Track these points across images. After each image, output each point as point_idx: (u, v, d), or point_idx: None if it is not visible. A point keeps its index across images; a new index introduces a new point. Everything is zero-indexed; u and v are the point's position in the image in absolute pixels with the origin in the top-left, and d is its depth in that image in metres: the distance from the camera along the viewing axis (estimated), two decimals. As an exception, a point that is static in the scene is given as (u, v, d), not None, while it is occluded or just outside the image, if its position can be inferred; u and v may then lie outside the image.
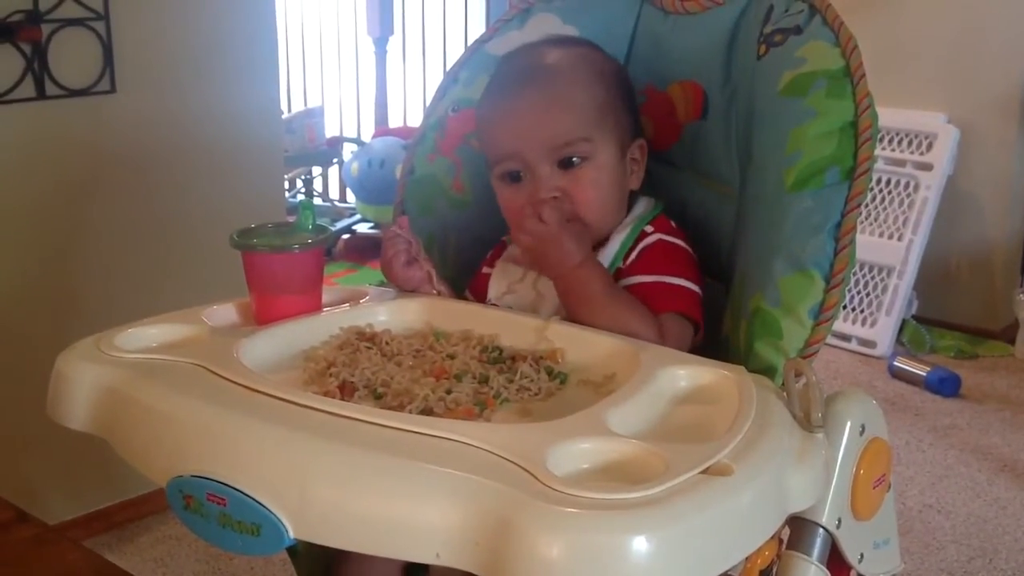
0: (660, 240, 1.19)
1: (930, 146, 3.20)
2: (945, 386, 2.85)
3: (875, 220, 3.23)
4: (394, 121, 4.55)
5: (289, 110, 4.43)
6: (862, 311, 3.19)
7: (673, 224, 1.22)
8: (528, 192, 1.18)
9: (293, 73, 4.79)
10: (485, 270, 1.28)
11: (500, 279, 1.25)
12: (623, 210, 1.22)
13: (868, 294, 3.20)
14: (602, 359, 1.05)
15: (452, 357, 1.06)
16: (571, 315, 1.13)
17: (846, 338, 3.15)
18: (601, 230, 1.20)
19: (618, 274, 1.18)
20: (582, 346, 1.08)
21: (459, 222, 1.35)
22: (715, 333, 1.17)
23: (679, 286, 1.16)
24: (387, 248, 1.23)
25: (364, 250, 4.02)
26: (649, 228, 1.21)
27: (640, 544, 0.74)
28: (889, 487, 1.11)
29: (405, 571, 1.19)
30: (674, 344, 1.10)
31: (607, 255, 1.19)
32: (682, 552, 0.77)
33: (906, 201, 3.20)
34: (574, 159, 1.17)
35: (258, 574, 2.03)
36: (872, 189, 3.14)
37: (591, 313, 1.11)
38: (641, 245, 1.19)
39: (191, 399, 0.93)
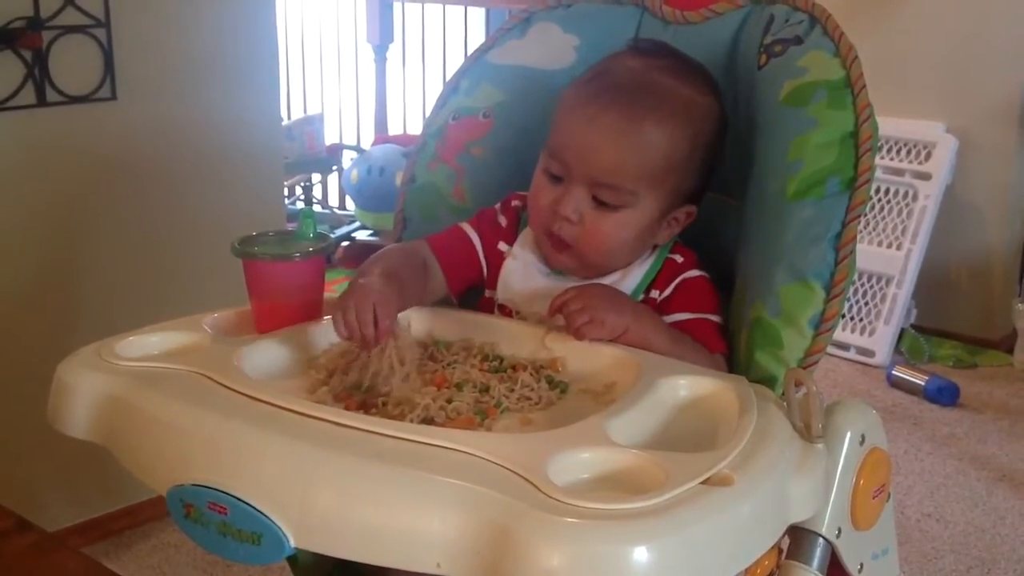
0: (698, 277, 1.17)
1: (929, 155, 3.20)
2: (944, 395, 2.85)
3: (874, 229, 3.23)
4: (394, 129, 4.55)
5: (289, 117, 4.43)
6: (861, 320, 3.20)
7: (696, 257, 1.19)
8: (554, 198, 1.14)
9: (293, 80, 4.79)
10: (501, 246, 1.23)
11: (518, 277, 1.21)
12: (636, 254, 1.18)
13: (867, 303, 3.20)
14: (602, 368, 1.05)
15: (453, 366, 1.06)
16: None
17: (845, 347, 3.15)
18: (602, 267, 1.17)
19: (654, 305, 1.16)
20: (582, 355, 1.08)
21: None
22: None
23: (720, 325, 1.15)
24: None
25: (363, 258, 3.95)
26: (679, 258, 1.18)
27: (640, 554, 0.74)
28: (889, 497, 1.11)
29: None
30: None
31: (628, 285, 1.17)
32: (682, 562, 0.77)
33: (905, 210, 3.21)
34: (608, 202, 1.13)
35: (256, 582, 2.02)
36: (871, 198, 3.15)
37: None
38: (680, 279, 1.16)
39: (192, 407, 0.93)
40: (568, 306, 1.09)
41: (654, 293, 1.17)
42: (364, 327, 1.01)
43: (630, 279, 1.17)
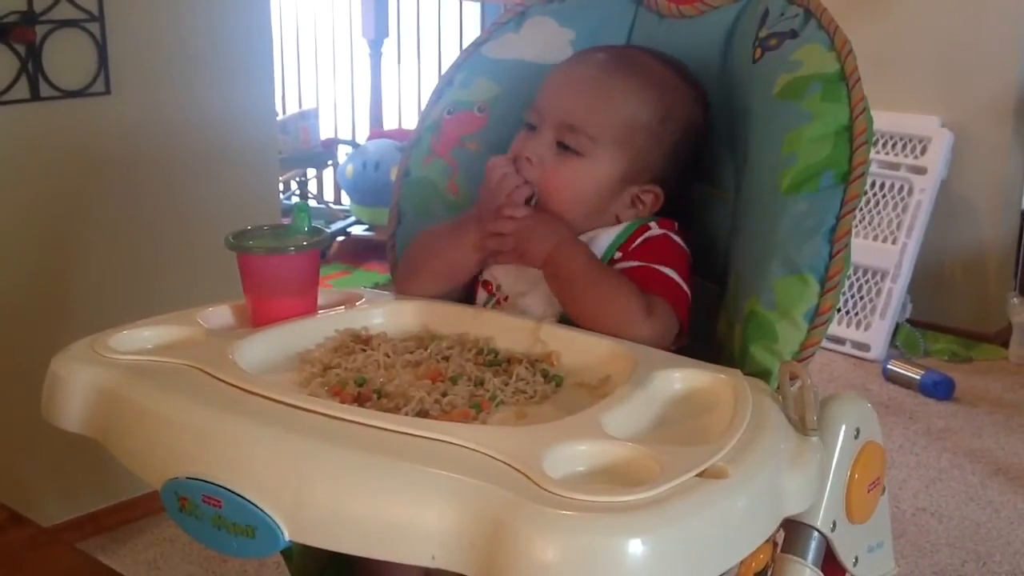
0: (662, 234, 1.18)
1: (924, 150, 3.21)
2: (939, 389, 2.86)
3: (869, 223, 3.23)
4: (389, 123, 4.55)
5: (284, 112, 4.43)
6: (856, 314, 3.20)
7: (676, 226, 1.21)
8: (522, 144, 1.17)
9: (288, 75, 4.79)
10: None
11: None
12: (599, 219, 1.19)
13: (862, 297, 3.21)
14: (598, 362, 1.05)
15: (447, 359, 1.06)
16: (559, 299, 1.13)
17: (840, 341, 3.16)
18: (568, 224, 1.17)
19: (612, 262, 1.17)
20: (578, 348, 1.08)
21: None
22: (710, 336, 1.17)
23: (672, 278, 1.15)
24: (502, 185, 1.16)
25: (358, 252, 4.02)
26: (653, 223, 1.19)
27: (635, 547, 0.74)
28: (884, 490, 1.11)
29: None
30: (661, 328, 1.10)
31: (598, 246, 1.18)
32: (677, 555, 0.77)
33: (900, 204, 3.21)
34: (570, 146, 1.16)
35: (252, 576, 2.02)
36: (866, 192, 3.15)
37: (580, 291, 1.11)
38: (642, 237, 1.18)
39: (186, 401, 0.92)
40: (501, 226, 1.13)
41: (618, 255, 1.18)
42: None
43: (595, 245, 1.18)
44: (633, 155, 1.17)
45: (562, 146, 1.16)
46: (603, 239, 1.18)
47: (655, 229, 1.18)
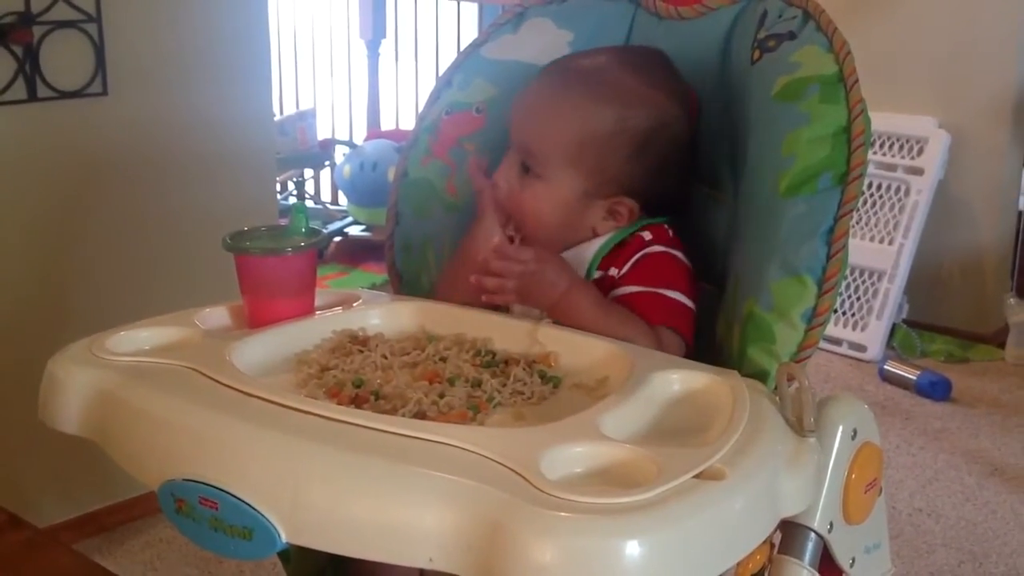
0: (662, 252, 1.18)
1: (921, 151, 3.21)
2: (936, 390, 2.86)
3: (866, 224, 3.24)
4: (386, 124, 4.54)
5: (281, 112, 4.43)
6: (853, 315, 3.20)
7: (671, 233, 1.20)
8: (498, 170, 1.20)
9: (285, 75, 4.79)
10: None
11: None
12: (575, 235, 1.19)
13: (859, 298, 3.21)
14: (595, 363, 1.05)
15: (445, 360, 1.06)
16: None
17: (837, 342, 3.16)
18: (546, 244, 1.18)
19: (612, 282, 1.17)
20: (575, 350, 1.08)
21: (453, 225, 1.35)
22: (708, 337, 1.17)
23: (676, 300, 1.15)
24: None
25: (356, 252, 4.01)
26: (647, 235, 1.19)
27: (633, 548, 0.74)
28: (880, 491, 1.11)
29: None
30: None
31: (581, 262, 1.18)
32: (675, 556, 0.77)
33: (897, 205, 3.21)
34: (531, 168, 1.18)
35: (249, 577, 2.02)
36: (863, 193, 3.15)
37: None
38: (640, 254, 1.17)
39: (183, 402, 0.92)
40: (508, 270, 1.12)
41: (612, 271, 1.18)
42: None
43: (579, 258, 1.19)
44: (589, 171, 1.17)
45: (525, 168, 1.18)
46: (586, 254, 1.19)
47: (654, 246, 1.18)
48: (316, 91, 4.82)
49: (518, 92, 1.23)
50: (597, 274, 1.19)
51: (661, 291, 1.15)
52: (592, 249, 1.19)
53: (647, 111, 1.18)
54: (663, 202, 1.21)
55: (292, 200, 4.21)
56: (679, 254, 1.19)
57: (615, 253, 1.19)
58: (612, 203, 1.19)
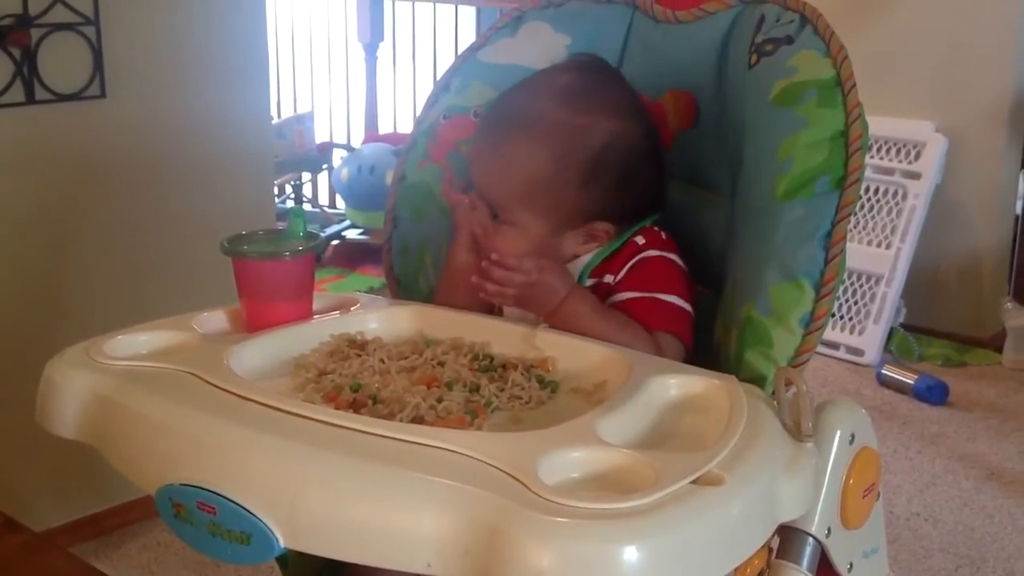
0: (656, 256, 1.18)
1: (918, 155, 3.21)
2: (933, 394, 2.86)
3: (863, 228, 3.24)
4: (384, 127, 4.55)
5: (279, 116, 4.43)
6: (850, 319, 3.20)
7: (664, 236, 1.21)
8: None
9: (283, 79, 4.79)
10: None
11: None
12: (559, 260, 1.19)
13: (856, 302, 3.21)
14: (593, 367, 1.05)
15: (443, 365, 1.06)
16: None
17: (834, 346, 3.16)
18: None
19: (608, 289, 1.18)
20: (573, 354, 1.08)
21: (451, 229, 1.35)
22: (706, 341, 1.17)
23: (673, 304, 1.15)
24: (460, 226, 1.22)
25: (353, 256, 4.01)
26: (640, 240, 1.19)
27: (631, 554, 0.74)
28: (878, 496, 1.11)
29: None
30: None
31: (576, 265, 1.19)
32: (672, 562, 0.77)
33: (894, 209, 3.21)
34: (497, 217, 1.18)
35: (246, 581, 2.02)
36: (860, 197, 3.16)
37: None
38: (635, 259, 1.18)
39: (181, 406, 0.92)
40: (509, 279, 1.13)
41: (608, 278, 1.18)
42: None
43: (573, 267, 1.19)
44: (546, 210, 1.17)
45: (495, 217, 1.19)
46: (577, 264, 1.20)
47: (648, 250, 1.18)
48: (314, 94, 4.82)
49: (476, 136, 1.24)
50: (590, 282, 1.19)
51: (658, 296, 1.15)
52: (578, 267, 1.20)
53: (586, 139, 1.16)
54: (638, 210, 1.21)
55: (290, 204, 4.21)
56: (674, 257, 1.19)
57: (608, 262, 1.19)
58: (585, 230, 1.19)
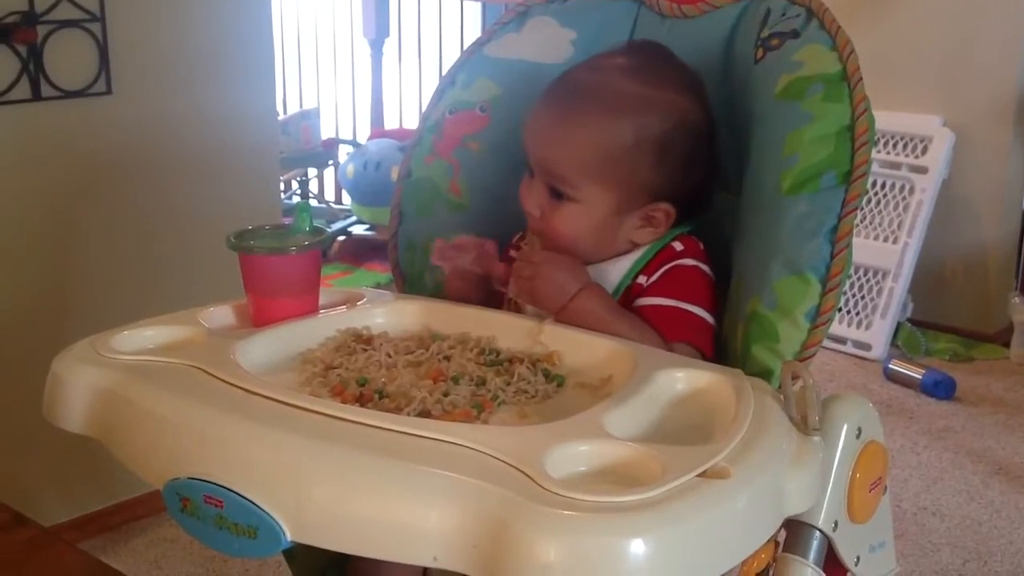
0: (691, 266, 1.16)
1: (925, 149, 3.21)
2: (940, 389, 2.85)
3: (870, 223, 3.23)
4: (390, 123, 4.54)
5: (285, 111, 4.43)
6: (857, 314, 3.20)
7: (702, 246, 1.19)
8: (527, 193, 1.18)
9: (289, 74, 4.79)
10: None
11: None
12: (610, 249, 1.18)
13: (863, 297, 3.21)
14: (599, 361, 1.05)
15: (449, 359, 1.06)
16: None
17: (841, 341, 3.16)
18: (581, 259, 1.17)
19: (638, 291, 1.16)
20: (579, 348, 1.08)
21: (457, 224, 1.35)
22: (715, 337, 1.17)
23: (695, 315, 1.14)
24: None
25: (359, 252, 4.02)
26: (678, 245, 1.18)
27: (637, 547, 0.74)
28: (885, 490, 1.11)
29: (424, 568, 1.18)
30: None
31: (614, 274, 1.17)
32: (679, 555, 0.77)
33: (901, 204, 3.21)
34: (561, 192, 1.16)
35: (253, 576, 2.02)
36: (867, 192, 3.15)
37: None
38: (669, 265, 1.16)
39: (188, 401, 0.93)
40: (520, 271, 1.13)
41: (641, 279, 1.17)
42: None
43: (616, 269, 1.18)
44: (618, 185, 1.15)
45: (555, 192, 1.16)
46: (620, 267, 1.18)
47: (685, 259, 1.17)
48: (320, 90, 4.82)
49: (532, 111, 1.19)
50: (627, 283, 1.18)
51: (684, 306, 1.14)
52: (629, 261, 1.18)
53: (662, 114, 1.16)
54: (694, 197, 1.20)
55: (296, 199, 4.21)
56: (707, 268, 1.18)
57: (645, 266, 1.18)
58: (647, 211, 1.17)
